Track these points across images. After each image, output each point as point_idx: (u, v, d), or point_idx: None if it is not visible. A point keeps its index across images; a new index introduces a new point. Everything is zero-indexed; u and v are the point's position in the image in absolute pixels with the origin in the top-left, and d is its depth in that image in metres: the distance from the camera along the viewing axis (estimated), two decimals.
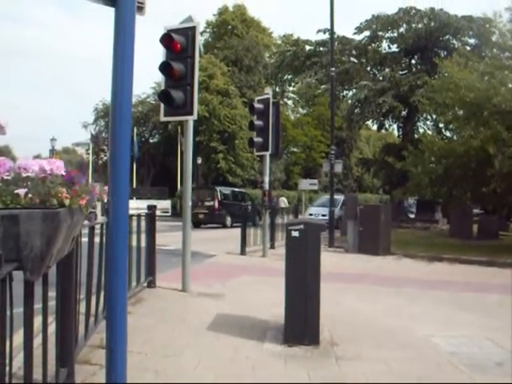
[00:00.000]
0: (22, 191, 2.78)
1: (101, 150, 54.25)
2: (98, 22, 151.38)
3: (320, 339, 6.20)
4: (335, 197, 34.18)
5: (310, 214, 29.43)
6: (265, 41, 60.94)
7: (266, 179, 16.08)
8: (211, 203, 32.35)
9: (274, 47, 61.46)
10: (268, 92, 15.83)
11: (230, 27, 58.78)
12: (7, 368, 2.61)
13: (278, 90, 53.49)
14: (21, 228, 2.72)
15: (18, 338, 3.16)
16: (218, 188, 33.88)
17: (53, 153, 41.21)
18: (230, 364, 5.43)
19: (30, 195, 2.79)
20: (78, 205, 3.09)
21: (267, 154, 15.30)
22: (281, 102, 47.56)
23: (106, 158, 54.17)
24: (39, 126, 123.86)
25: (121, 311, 3.16)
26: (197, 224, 29.06)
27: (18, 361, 3.33)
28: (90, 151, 50.55)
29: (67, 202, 2.90)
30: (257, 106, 15.11)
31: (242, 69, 55.14)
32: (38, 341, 3.59)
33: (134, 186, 41.38)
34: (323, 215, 24.96)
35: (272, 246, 17.62)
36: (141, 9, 3.33)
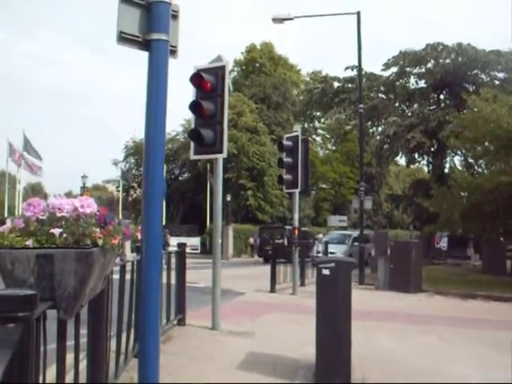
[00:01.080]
0: (56, 231, 2.83)
1: (131, 187, 54.71)
2: (127, 62, 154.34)
3: (351, 379, 6.12)
4: (346, 232, 33.78)
5: (318, 252, 27.57)
6: (293, 78, 61.41)
7: (296, 216, 16.05)
8: (281, 241, 32.96)
9: (302, 84, 61.89)
10: (297, 129, 15.92)
11: (257, 65, 59.37)
12: None
13: (306, 126, 53.71)
14: (55, 267, 2.77)
15: (51, 373, 3.18)
16: (287, 227, 34.12)
17: (84, 190, 41.69)
18: None
19: (64, 235, 2.84)
20: (111, 244, 3.13)
21: (296, 191, 15.31)
22: (309, 138, 47.73)
23: (135, 195, 54.63)
24: (70, 163, 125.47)
25: (153, 349, 3.17)
26: (267, 260, 29.42)
27: None
28: (120, 188, 51.02)
29: (100, 241, 2.94)
30: (286, 143, 15.19)
31: (271, 106, 55.46)
32: (69, 377, 3.61)
33: (164, 222, 41.57)
34: (331, 253, 23.31)
35: (302, 284, 17.50)
36: (174, 52, 3.41)
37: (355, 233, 30.93)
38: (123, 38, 3.35)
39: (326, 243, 20.74)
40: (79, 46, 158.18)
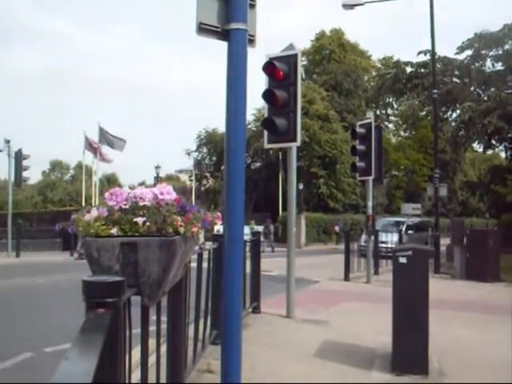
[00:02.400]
0: (140, 220, 2.90)
1: (203, 176, 55.33)
2: (197, 53, 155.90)
3: (429, 369, 6.03)
4: (399, 219, 31.88)
5: (382, 242, 26.70)
6: (363, 64, 60.45)
7: (369, 204, 15.90)
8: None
9: (374, 70, 60.93)
10: (369, 116, 15.74)
11: (327, 52, 58.75)
12: None
13: (378, 113, 52.96)
14: (139, 255, 2.84)
15: (135, 356, 3.26)
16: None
17: (157, 180, 42.39)
18: None
19: (147, 223, 2.91)
20: (191, 232, 3.18)
21: (370, 178, 15.17)
22: (382, 125, 47.05)
23: (208, 184, 55.21)
24: (144, 154, 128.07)
25: (236, 337, 3.21)
26: None
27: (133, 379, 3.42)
28: (193, 178, 51.65)
29: (182, 229, 3.00)
30: (359, 130, 15.04)
31: (342, 93, 54.92)
32: (152, 359, 3.70)
33: None
34: (382, 242, 21.40)
35: (376, 272, 17.35)
36: (252, 41, 3.43)
37: (409, 219, 29.90)
38: (202, 29, 3.39)
39: (376, 232, 19.31)
40: (152, 39, 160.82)
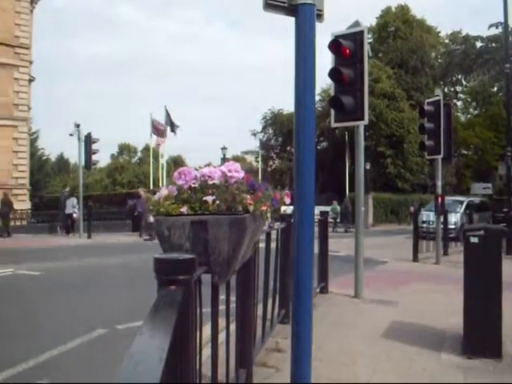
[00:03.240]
0: (209, 198, 2.91)
1: (269, 157, 55.37)
2: (262, 34, 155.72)
3: (502, 352, 5.87)
4: (457, 198, 30.09)
5: (423, 222, 24.31)
6: (430, 40, 58.71)
7: (438, 183, 15.58)
8: None
9: (441, 47, 59.32)
10: (438, 93, 15.38)
11: (392, 29, 57.44)
12: (197, 365, 2.71)
13: (446, 90, 51.72)
14: (209, 233, 2.85)
15: (205, 334, 3.29)
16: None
17: (224, 161, 42.69)
18: (406, 375, 5.27)
19: (217, 202, 2.91)
20: (260, 211, 3.17)
21: (439, 157, 14.85)
22: (450, 103, 45.97)
23: (274, 165, 55.19)
24: (210, 136, 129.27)
25: (306, 317, 3.19)
26: None
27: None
28: (260, 159, 51.78)
29: (251, 208, 2.99)
30: (427, 108, 14.72)
31: (408, 71, 53.71)
32: (221, 336, 3.74)
33: None
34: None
35: (445, 253, 17.04)
36: (320, 16, 3.37)
37: (469, 199, 28.68)
38: (269, 5, 3.34)
39: (446, 212, 18.17)
40: (215, 22, 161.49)
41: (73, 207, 28.30)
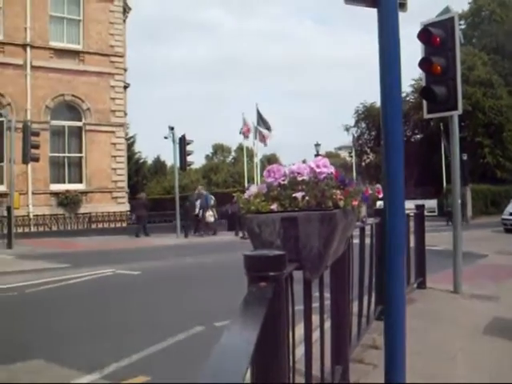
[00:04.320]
0: (299, 194, 2.90)
1: (363, 152, 54.70)
2: (349, 29, 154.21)
3: None
4: None
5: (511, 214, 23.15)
6: None
7: None
8: None
9: None
10: None
11: (487, 13, 55.32)
12: (290, 363, 2.72)
13: None
14: (300, 230, 2.85)
15: (298, 332, 3.29)
16: None
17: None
18: (507, 373, 5.07)
19: (306, 198, 2.91)
20: (351, 206, 3.14)
21: None
22: None
23: (368, 159, 54.50)
24: (303, 132, 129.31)
25: (400, 313, 3.14)
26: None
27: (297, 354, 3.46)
28: (353, 154, 51.25)
29: (342, 203, 2.96)
30: None
31: (505, 56, 51.67)
32: (315, 334, 3.72)
33: None
34: None
35: None
36: (403, 5, 3.29)
37: None
38: None
39: None
40: (304, 19, 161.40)
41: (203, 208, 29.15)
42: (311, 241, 2.86)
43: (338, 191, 2.99)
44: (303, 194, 2.91)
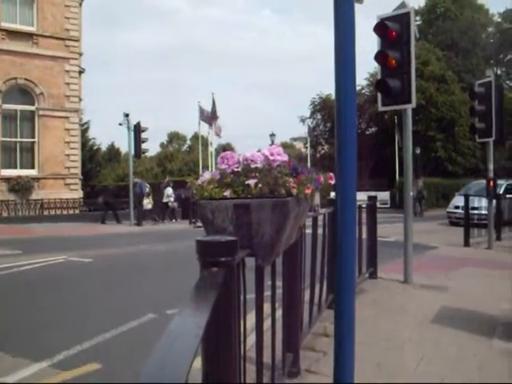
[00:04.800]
0: (252, 182, 2.92)
1: (318, 143, 55.04)
2: (307, 21, 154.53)
3: None
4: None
5: (457, 207, 23.62)
6: (482, 20, 57.23)
7: (490, 167, 15.25)
8: None
9: (493, 26, 57.75)
10: (490, 75, 15.03)
11: (442, 10, 56.09)
12: (241, 351, 2.73)
13: (499, 72, 50.48)
14: (252, 216, 2.87)
15: (249, 320, 3.32)
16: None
17: None
18: (455, 361, 5.19)
19: (259, 185, 2.92)
20: (304, 194, 3.17)
21: (491, 140, 14.53)
22: (504, 84, 44.84)
23: (323, 151, 54.87)
24: (258, 122, 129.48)
25: (349, 301, 3.18)
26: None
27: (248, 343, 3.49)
28: (308, 145, 51.51)
29: (294, 191, 2.99)
30: (478, 90, 14.41)
31: (459, 53, 52.65)
32: (266, 323, 3.76)
33: None
34: (474, 208, 18.87)
35: (498, 238, 16.70)
36: None
37: (507, 182, 26.52)
38: None
39: (467, 196, 17.27)
40: (263, 9, 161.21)
41: (168, 196, 29.78)
42: (263, 227, 2.88)
43: (291, 179, 3.01)
44: (256, 181, 2.93)
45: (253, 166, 2.99)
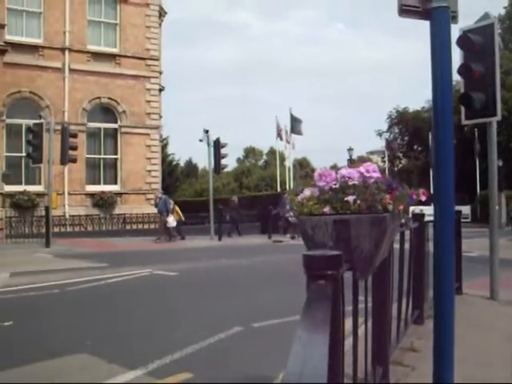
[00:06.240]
0: (350, 198, 3.03)
1: (396, 157, 54.45)
2: (381, 34, 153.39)
3: None
4: None
5: None
6: None
7: None
8: None
9: None
10: None
11: None
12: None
13: None
14: (351, 232, 2.97)
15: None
16: None
17: (350, 162, 42.50)
18: None
19: (358, 202, 3.03)
20: (398, 210, 3.24)
21: None
22: None
23: (400, 165, 54.21)
24: (334, 137, 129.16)
25: (448, 315, 3.23)
26: None
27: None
28: (386, 159, 51.05)
29: (390, 207, 3.07)
30: None
31: None
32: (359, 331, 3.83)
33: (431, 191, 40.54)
34: None
35: None
36: (454, 18, 3.39)
37: None
38: (404, 10, 3.40)
39: None
40: (336, 23, 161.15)
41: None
42: (362, 243, 2.98)
43: (387, 195, 3.10)
44: (354, 197, 3.03)
45: (350, 182, 3.09)
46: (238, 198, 30.32)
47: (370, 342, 4.27)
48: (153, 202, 32.35)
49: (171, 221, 26.60)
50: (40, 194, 28.85)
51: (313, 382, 1.16)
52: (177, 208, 28.17)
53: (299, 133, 37.15)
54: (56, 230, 26.43)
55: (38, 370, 5.89)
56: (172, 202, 28.30)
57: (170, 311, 9.18)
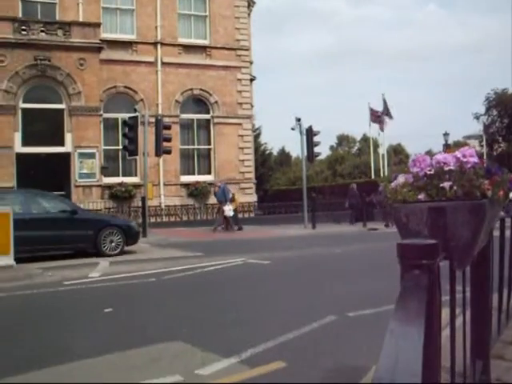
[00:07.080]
0: (446, 184, 2.89)
1: (494, 140, 52.43)
2: (474, 12, 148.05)
3: None
4: None
5: None
6: None
7: None
8: None
9: None
10: None
11: None
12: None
13: None
14: (448, 220, 2.84)
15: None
16: None
17: (446, 147, 41.31)
18: None
19: (454, 188, 2.89)
20: (498, 196, 3.08)
21: None
22: None
23: (500, 149, 52.23)
24: (428, 121, 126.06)
25: None
26: None
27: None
28: (484, 143, 49.33)
29: (489, 193, 2.92)
30: None
31: None
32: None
33: None
34: None
35: None
36: None
37: None
38: None
39: None
40: (428, 4, 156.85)
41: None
42: (459, 231, 2.84)
43: (486, 181, 2.94)
44: (451, 183, 2.89)
45: (446, 168, 2.95)
46: (353, 187, 29.77)
47: (468, 334, 4.12)
48: (248, 191, 32.68)
49: (227, 210, 26.52)
50: (136, 186, 29.74)
51: (404, 381, 1.09)
52: (236, 197, 28.22)
53: (391, 117, 36.63)
54: (152, 220, 27.13)
55: (135, 355, 6.05)
56: (231, 191, 28.10)
57: (263, 299, 9.23)
